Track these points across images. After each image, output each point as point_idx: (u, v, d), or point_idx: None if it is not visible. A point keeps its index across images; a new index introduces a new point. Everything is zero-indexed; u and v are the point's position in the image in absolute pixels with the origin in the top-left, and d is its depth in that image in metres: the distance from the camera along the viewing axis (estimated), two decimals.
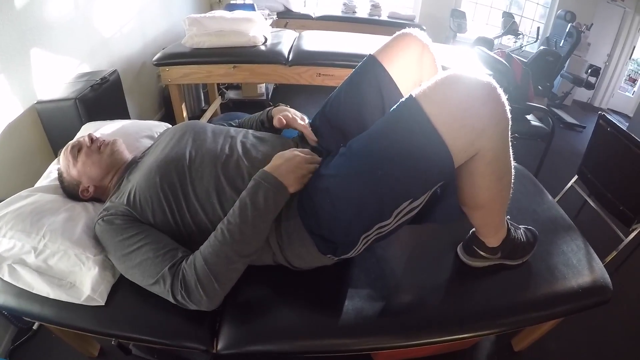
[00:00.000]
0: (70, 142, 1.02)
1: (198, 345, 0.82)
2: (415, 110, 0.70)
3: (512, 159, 0.80)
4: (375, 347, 0.90)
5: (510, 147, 0.79)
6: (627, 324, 1.50)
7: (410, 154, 0.72)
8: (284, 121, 1.05)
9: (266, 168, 0.82)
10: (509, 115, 0.72)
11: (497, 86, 0.69)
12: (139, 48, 2.44)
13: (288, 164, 0.83)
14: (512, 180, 0.83)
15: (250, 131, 1.02)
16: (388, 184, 0.75)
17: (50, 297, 0.87)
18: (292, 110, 1.12)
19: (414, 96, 0.71)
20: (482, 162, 0.75)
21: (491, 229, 0.94)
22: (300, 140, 1.05)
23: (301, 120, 1.06)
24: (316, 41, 2.21)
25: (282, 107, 1.14)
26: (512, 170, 0.82)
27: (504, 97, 0.70)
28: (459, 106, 0.68)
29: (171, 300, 0.78)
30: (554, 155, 2.37)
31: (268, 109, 1.14)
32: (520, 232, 1.00)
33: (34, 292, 0.88)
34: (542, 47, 3.68)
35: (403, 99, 0.74)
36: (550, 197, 1.30)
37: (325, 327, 0.88)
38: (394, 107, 0.76)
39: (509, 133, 0.75)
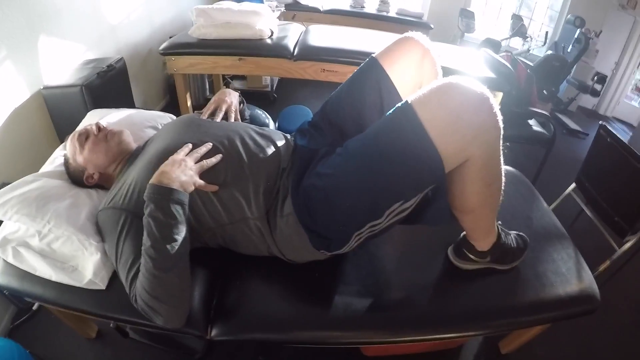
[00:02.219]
0: (78, 129, 1.04)
1: (192, 331, 0.85)
2: (409, 115, 0.72)
3: (502, 166, 0.83)
4: (363, 341, 0.93)
5: (502, 155, 0.81)
6: (616, 334, 1.52)
7: (403, 156, 0.74)
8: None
9: (151, 180, 0.79)
10: (501, 125, 0.74)
11: (491, 96, 0.71)
12: (146, 35, 2.45)
13: (169, 168, 0.80)
14: (502, 187, 0.86)
15: (251, 126, 1.04)
16: (381, 184, 0.78)
17: (53, 279, 0.90)
18: (228, 98, 1.10)
19: (409, 102, 0.73)
20: (472, 169, 0.78)
21: (481, 233, 0.96)
22: (298, 136, 1.06)
23: (226, 110, 1.07)
24: (322, 36, 2.21)
25: (225, 91, 1.14)
26: (503, 178, 0.84)
27: (496, 107, 0.72)
28: (452, 114, 0.71)
29: None
30: (554, 160, 2.36)
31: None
32: (511, 237, 1.02)
33: (37, 274, 0.91)
34: (549, 52, 3.65)
35: (399, 104, 0.76)
36: (545, 204, 1.32)
37: (315, 319, 0.91)
38: (390, 111, 0.78)
39: (500, 142, 0.78)
